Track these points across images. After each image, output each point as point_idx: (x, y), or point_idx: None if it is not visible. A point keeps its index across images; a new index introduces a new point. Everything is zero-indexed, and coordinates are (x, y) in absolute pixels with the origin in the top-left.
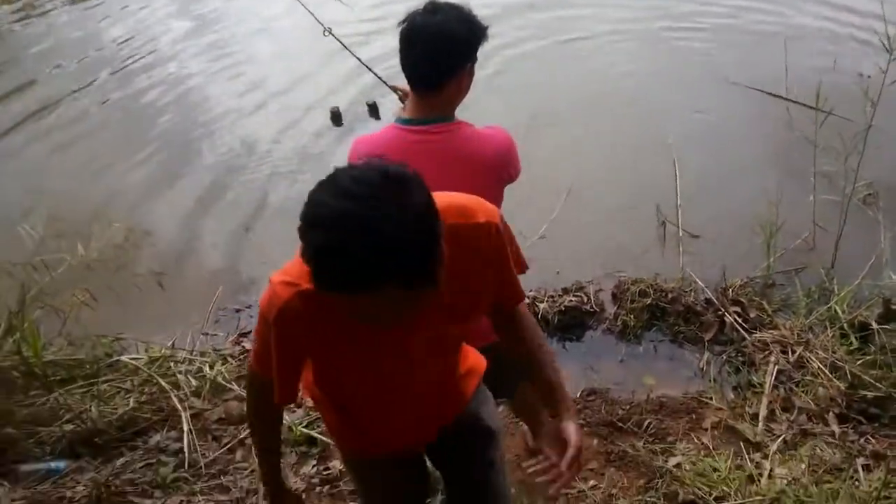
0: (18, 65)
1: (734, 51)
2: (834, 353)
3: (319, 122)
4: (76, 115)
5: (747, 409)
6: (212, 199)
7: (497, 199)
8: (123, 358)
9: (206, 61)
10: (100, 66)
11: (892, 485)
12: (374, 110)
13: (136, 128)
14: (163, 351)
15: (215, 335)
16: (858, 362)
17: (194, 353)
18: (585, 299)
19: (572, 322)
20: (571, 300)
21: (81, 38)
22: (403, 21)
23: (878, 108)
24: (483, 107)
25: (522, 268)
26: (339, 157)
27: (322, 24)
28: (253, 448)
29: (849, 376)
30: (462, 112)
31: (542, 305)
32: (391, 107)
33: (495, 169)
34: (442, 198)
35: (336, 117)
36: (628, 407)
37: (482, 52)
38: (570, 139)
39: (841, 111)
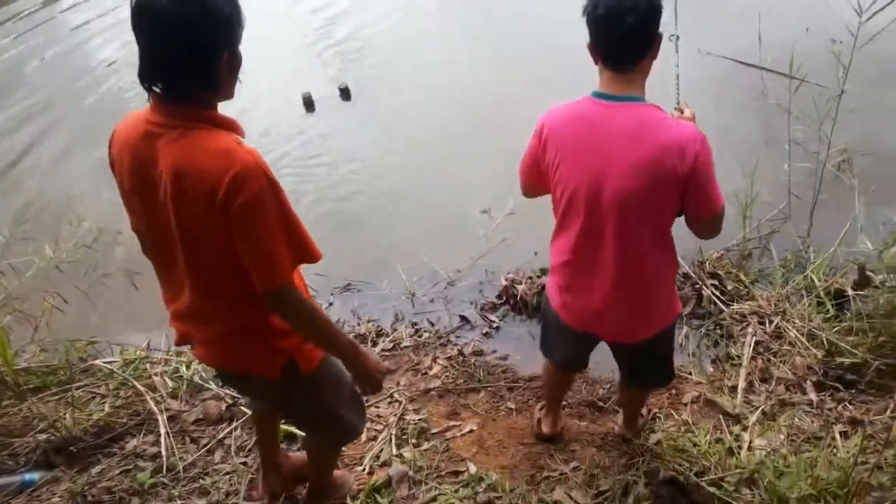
0: None
1: (705, 21)
2: (810, 321)
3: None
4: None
5: (726, 381)
6: None
7: (664, 192)
8: (97, 362)
9: None
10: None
11: (868, 450)
12: (346, 94)
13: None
14: (138, 353)
15: None
16: (835, 329)
17: (170, 352)
18: None
19: None
20: None
21: None
22: (588, 5)
23: (850, 72)
24: None
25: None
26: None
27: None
28: (332, 338)
29: (825, 344)
30: None
31: (520, 287)
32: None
33: (667, 155)
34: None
35: (308, 103)
36: (609, 386)
37: None
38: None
39: (815, 77)
